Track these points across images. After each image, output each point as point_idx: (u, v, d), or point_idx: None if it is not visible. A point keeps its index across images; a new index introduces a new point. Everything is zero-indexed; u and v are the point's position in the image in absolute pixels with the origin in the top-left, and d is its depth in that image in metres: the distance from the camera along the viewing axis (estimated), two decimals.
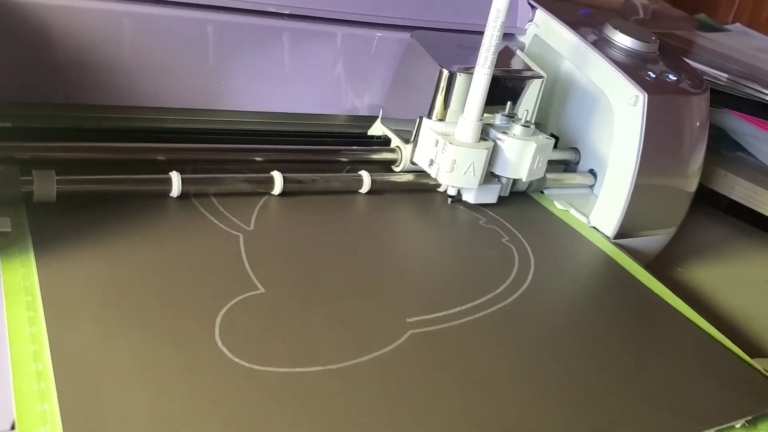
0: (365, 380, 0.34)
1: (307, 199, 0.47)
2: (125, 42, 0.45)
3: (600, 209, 0.53)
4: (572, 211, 0.54)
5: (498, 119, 0.50)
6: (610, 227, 0.52)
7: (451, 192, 0.51)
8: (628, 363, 0.40)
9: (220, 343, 0.34)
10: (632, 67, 0.52)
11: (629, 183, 0.51)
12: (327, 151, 0.51)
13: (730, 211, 0.72)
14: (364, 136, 0.55)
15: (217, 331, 0.34)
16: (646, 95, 0.50)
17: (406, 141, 0.51)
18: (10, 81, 0.43)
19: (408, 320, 0.38)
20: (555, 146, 0.60)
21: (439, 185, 0.51)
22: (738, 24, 1.05)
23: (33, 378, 0.29)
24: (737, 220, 0.70)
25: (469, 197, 0.51)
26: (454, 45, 0.52)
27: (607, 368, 0.39)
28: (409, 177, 0.52)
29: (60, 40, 0.43)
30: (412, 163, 0.51)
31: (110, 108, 0.47)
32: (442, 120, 0.50)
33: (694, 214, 0.60)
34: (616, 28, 0.54)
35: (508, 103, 0.51)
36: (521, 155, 0.49)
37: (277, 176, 0.46)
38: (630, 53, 0.54)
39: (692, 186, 0.55)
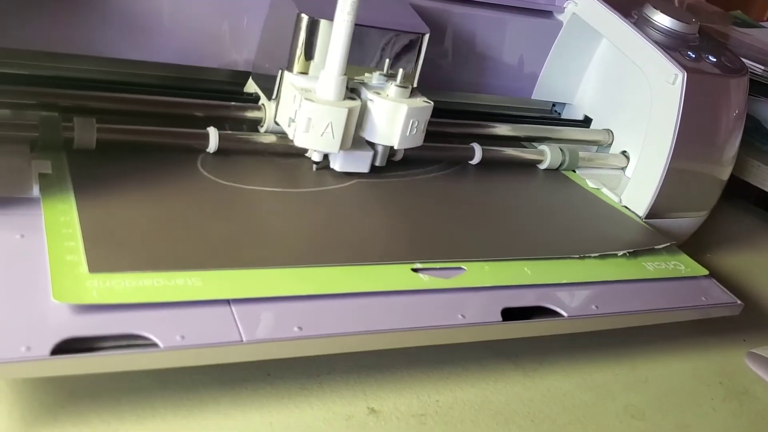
0: (315, 200, 0.43)
1: None
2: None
3: (633, 188, 0.53)
4: (604, 190, 0.54)
5: (375, 78, 0.45)
6: (642, 207, 0.52)
7: (315, 157, 0.45)
8: (539, 211, 0.49)
9: (200, 168, 0.42)
10: (672, 47, 0.52)
11: (664, 162, 0.50)
12: (195, 105, 0.46)
13: (759, 203, 0.71)
14: (240, 93, 0.49)
15: (198, 162, 0.43)
16: (686, 74, 0.49)
17: (270, 98, 0.46)
18: (55, 31, 0.43)
19: (357, 179, 0.46)
20: (588, 126, 0.60)
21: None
22: None
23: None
24: (766, 212, 0.70)
25: (335, 164, 0.45)
26: None
27: (521, 213, 0.48)
28: (273, 138, 0.46)
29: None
30: (276, 123, 0.46)
31: (150, 64, 0.47)
32: (304, 73, 0.44)
33: (724, 204, 0.59)
34: (656, 8, 0.54)
35: (387, 60, 0.45)
36: (393, 119, 0.43)
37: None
38: (670, 33, 0.53)
39: (727, 167, 0.54)
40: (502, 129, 0.55)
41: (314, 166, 0.45)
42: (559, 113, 0.64)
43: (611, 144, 0.59)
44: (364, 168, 0.46)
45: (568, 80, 0.61)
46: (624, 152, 0.57)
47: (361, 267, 0.37)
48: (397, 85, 0.44)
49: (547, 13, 0.59)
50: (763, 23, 1.00)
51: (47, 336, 0.28)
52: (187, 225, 0.37)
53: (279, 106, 0.45)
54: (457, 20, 0.54)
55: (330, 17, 0.41)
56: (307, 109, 0.41)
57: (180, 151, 0.43)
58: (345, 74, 0.42)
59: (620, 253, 0.45)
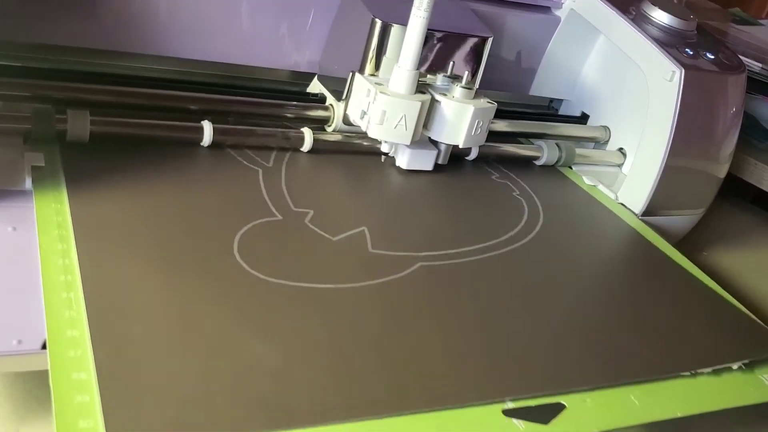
0: (373, 299, 0.35)
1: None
2: None
3: (629, 185, 0.53)
4: (600, 187, 0.54)
5: (440, 80, 0.47)
6: (638, 204, 0.52)
7: (385, 148, 0.47)
8: (634, 307, 0.41)
9: (238, 257, 0.35)
10: (670, 44, 0.51)
11: (661, 159, 0.50)
12: (263, 104, 0.47)
13: (756, 202, 0.71)
14: (303, 94, 0.51)
15: (236, 246, 0.36)
16: (683, 71, 0.49)
17: (339, 98, 0.47)
18: (50, 24, 0.43)
19: (418, 254, 0.40)
20: (585, 123, 0.60)
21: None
22: None
23: (64, 306, 0.29)
24: (763, 211, 0.70)
25: (402, 162, 0.47)
26: None
27: (612, 310, 0.40)
28: (339, 137, 0.48)
29: None
30: (345, 123, 0.47)
31: (148, 57, 0.47)
32: (374, 75, 0.46)
33: (720, 202, 0.59)
34: (654, 5, 0.54)
35: (451, 63, 0.47)
36: (459, 119, 0.45)
37: (308, 132, 0.46)
38: (668, 30, 0.53)
39: (723, 165, 0.54)
40: (500, 125, 0.55)
41: (382, 157, 0.47)
42: (557, 109, 0.64)
43: (608, 141, 0.58)
44: (429, 166, 0.48)
45: (565, 76, 0.60)
46: (621, 149, 0.57)
47: (443, 413, 0.30)
48: (463, 87, 0.46)
49: (545, 9, 0.59)
50: (761, 20, 1.00)
51: (39, 329, 0.28)
52: (222, 345, 0.30)
53: (350, 102, 0.46)
54: None
55: (401, 22, 0.44)
56: (382, 102, 0.43)
57: (176, 144, 0.43)
58: (417, 69, 0.43)
59: (736, 365, 0.38)
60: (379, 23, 0.45)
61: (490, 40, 0.49)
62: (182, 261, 0.34)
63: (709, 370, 0.37)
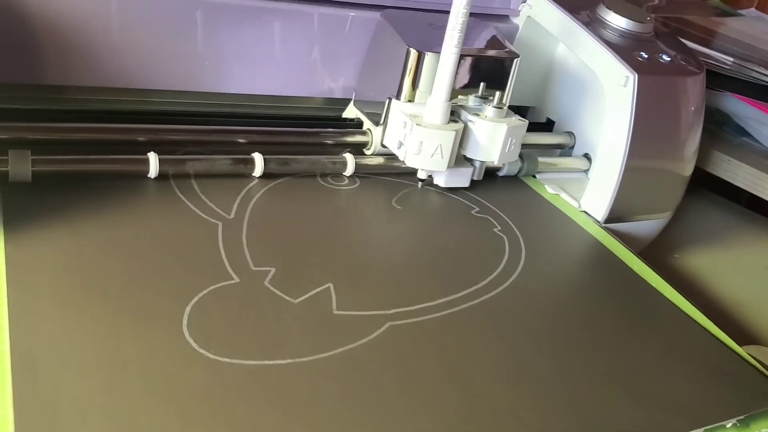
0: (337, 373, 0.33)
1: (289, 184, 0.47)
2: (109, 23, 0.45)
3: (591, 193, 0.52)
4: (563, 195, 0.53)
5: (471, 101, 0.49)
6: (600, 211, 0.51)
7: (421, 175, 0.49)
8: (616, 358, 0.38)
9: (187, 334, 0.33)
10: (624, 48, 0.51)
11: (619, 165, 0.50)
12: (302, 133, 0.50)
13: (737, 198, 0.70)
14: (338, 119, 0.54)
15: (185, 321, 0.34)
16: (637, 76, 0.49)
17: (376, 123, 0.50)
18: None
19: (387, 312, 0.37)
20: (550, 130, 0.60)
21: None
22: (752, 9, 1.02)
23: None
24: (739, 206, 0.69)
25: (440, 181, 0.50)
26: (425, 24, 0.50)
27: (594, 363, 0.37)
28: (380, 160, 0.50)
29: (41, 20, 0.43)
30: (383, 146, 0.49)
31: (93, 89, 0.47)
32: (411, 101, 0.48)
33: (694, 199, 0.58)
34: (609, 8, 0.53)
35: (482, 84, 0.49)
36: (492, 138, 0.48)
37: (258, 158, 0.46)
38: (623, 34, 0.52)
39: (687, 169, 0.54)
40: None
41: (420, 183, 0.50)
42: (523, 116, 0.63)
43: (573, 147, 0.58)
44: (465, 183, 0.50)
45: (527, 83, 0.60)
46: (586, 154, 0.57)
47: None
48: (494, 107, 0.48)
49: (502, 17, 0.58)
50: (741, 11, 0.99)
51: None
52: None
53: (386, 130, 0.48)
54: None
55: (433, 50, 0.46)
56: (418, 134, 0.45)
57: (124, 178, 0.43)
58: (450, 100, 0.46)
59: (729, 424, 0.35)
60: (414, 53, 0.47)
61: (517, 60, 0.50)
62: (123, 325, 0.32)
63: (701, 430, 0.34)
